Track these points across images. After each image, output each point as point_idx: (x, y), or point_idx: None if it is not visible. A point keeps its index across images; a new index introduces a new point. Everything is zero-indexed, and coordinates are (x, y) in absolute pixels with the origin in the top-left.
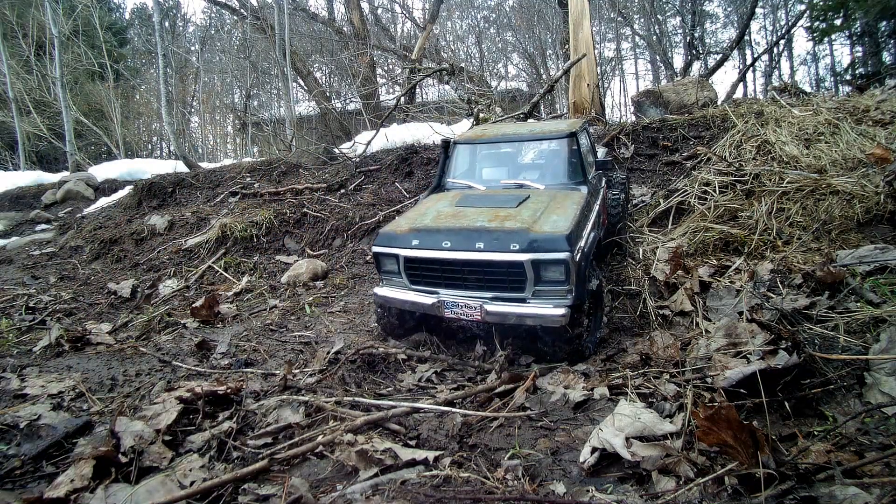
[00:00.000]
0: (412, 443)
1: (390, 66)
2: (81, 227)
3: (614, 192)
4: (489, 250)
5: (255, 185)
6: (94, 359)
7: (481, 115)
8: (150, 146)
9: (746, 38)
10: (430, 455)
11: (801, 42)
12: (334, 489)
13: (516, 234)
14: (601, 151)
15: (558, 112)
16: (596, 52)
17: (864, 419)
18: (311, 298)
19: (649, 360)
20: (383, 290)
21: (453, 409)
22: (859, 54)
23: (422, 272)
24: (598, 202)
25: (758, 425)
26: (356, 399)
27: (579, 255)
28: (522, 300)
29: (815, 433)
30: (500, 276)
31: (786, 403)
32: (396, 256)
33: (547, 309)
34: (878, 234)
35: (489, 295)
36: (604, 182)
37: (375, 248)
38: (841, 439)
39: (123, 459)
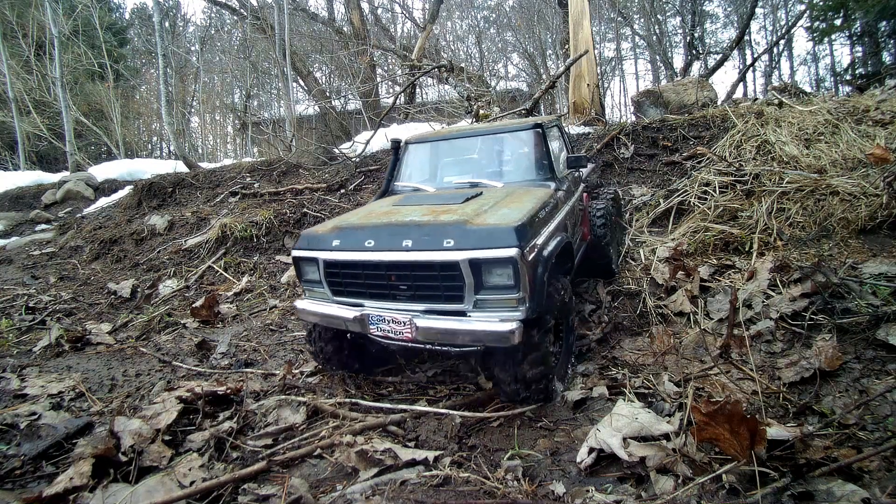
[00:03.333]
0: (411, 443)
1: (390, 66)
2: (81, 227)
3: (599, 206)
4: (418, 249)
5: (255, 185)
6: (94, 359)
7: (481, 111)
8: (150, 146)
9: (746, 38)
10: (430, 455)
11: (801, 42)
12: (334, 489)
13: (451, 228)
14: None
15: (559, 112)
16: (596, 52)
17: (864, 416)
18: None
19: (649, 359)
20: (303, 303)
21: (452, 412)
22: (859, 54)
23: (344, 279)
24: (572, 204)
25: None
26: (356, 401)
27: (535, 254)
28: (462, 313)
29: (814, 429)
30: (433, 283)
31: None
32: (316, 261)
33: (490, 324)
34: (879, 240)
35: (422, 307)
36: (581, 187)
37: (295, 253)
38: (840, 435)
39: (123, 459)
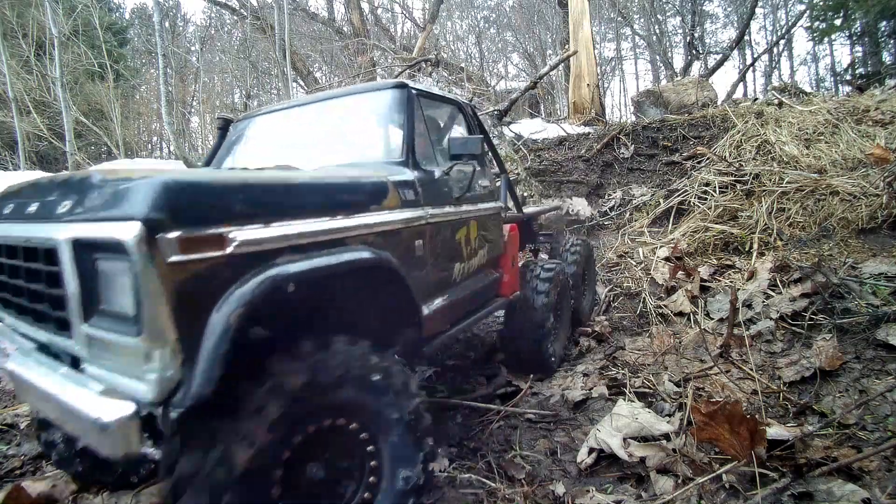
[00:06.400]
0: None
1: (390, 66)
2: None
3: (548, 267)
4: (30, 218)
5: None
6: None
7: None
8: (150, 146)
9: (746, 38)
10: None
11: (801, 42)
12: None
13: (86, 184)
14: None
15: (559, 112)
16: (596, 52)
17: (864, 416)
18: None
19: (649, 359)
20: None
21: (460, 401)
22: (859, 54)
23: None
24: (450, 218)
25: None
26: None
27: (215, 255)
28: (76, 361)
29: (814, 429)
30: (38, 289)
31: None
32: None
33: (82, 396)
34: (879, 240)
35: (45, 337)
36: (496, 205)
37: None
38: (840, 435)
39: None
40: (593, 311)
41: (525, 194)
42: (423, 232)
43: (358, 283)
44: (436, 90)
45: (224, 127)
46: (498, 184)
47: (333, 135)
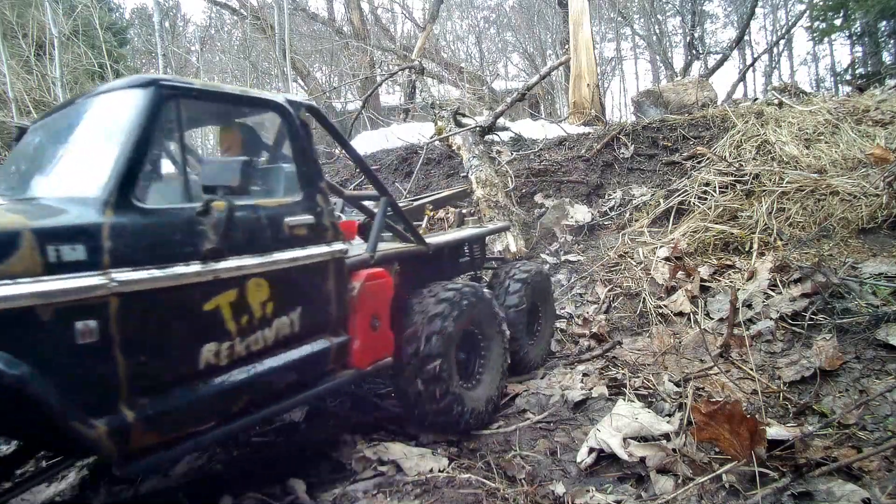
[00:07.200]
0: (412, 443)
1: (389, 66)
2: None
3: (443, 298)
4: None
5: None
6: None
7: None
8: None
9: (746, 38)
10: (434, 463)
11: (801, 42)
12: (334, 488)
13: None
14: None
15: (559, 113)
16: (596, 52)
17: (864, 416)
18: None
19: (649, 359)
20: None
21: None
22: (859, 54)
23: None
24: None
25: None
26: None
27: None
28: None
29: (814, 429)
30: None
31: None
32: None
33: None
34: (879, 240)
35: None
36: (327, 251)
37: None
38: (840, 435)
39: None
40: (546, 361)
41: (482, 216)
42: (100, 308)
43: None
44: (228, 87)
45: (20, 138)
46: (338, 214)
47: (62, 153)
